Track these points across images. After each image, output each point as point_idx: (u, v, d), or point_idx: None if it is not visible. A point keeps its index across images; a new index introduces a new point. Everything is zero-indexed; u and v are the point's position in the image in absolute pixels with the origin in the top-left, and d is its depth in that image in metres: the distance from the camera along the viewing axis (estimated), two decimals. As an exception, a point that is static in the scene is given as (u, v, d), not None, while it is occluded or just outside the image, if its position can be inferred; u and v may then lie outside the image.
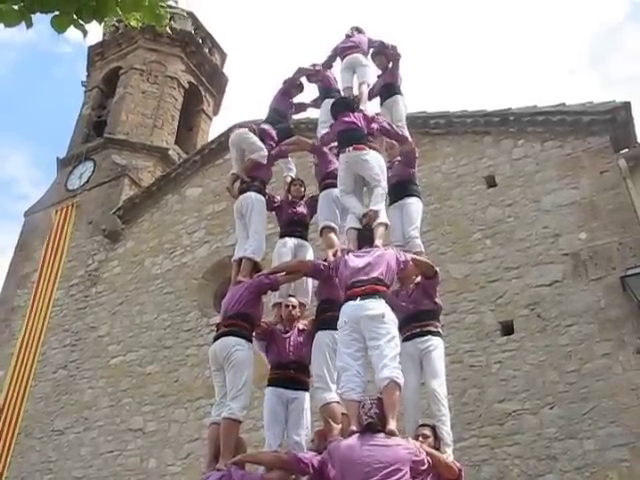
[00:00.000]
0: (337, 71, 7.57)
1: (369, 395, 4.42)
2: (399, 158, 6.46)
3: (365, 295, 4.71)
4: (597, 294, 8.51)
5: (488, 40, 41.65)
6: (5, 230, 48.43)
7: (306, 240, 6.46)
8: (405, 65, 7.30)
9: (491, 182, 10.18)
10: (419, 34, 42.65)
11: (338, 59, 7.53)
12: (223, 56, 19.40)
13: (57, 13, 2.91)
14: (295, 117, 8.52)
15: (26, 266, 14.90)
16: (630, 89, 40.47)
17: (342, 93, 7.14)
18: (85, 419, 11.73)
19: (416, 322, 5.16)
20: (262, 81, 42.78)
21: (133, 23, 3.08)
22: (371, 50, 7.41)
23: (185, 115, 17.52)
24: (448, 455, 4.54)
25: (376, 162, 5.85)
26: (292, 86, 7.63)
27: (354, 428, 4.26)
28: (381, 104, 7.14)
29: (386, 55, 7.27)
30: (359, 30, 7.63)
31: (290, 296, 5.91)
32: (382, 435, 4.13)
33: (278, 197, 6.79)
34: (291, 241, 6.35)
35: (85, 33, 3.01)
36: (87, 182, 15.30)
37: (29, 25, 2.93)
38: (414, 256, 5.33)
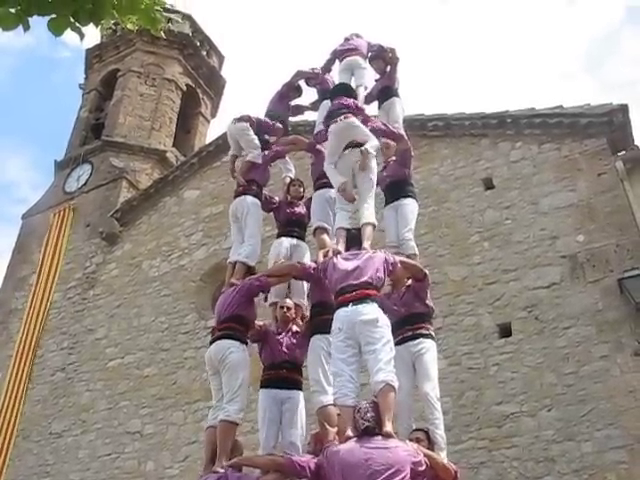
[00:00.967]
0: (336, 74, 7.58)
1: (364, 399, 4.42)
2: (394, 158, 6.42)
3: (357, 300, 4.69)
4: (595, 296, 8.51)
5: (486, 44, 41.76)
6: (4, 233, 48.41)
7: (303, 240, 6.44)
8: (403, 68, 7.32)
9: (489, 184, 10.19)
10: (417, 37, 42.73)
11: (337, 62, 7.52)
12: (221, 58, 19.41)
13: (54, 16, 2.91)
14: (293, 120, 8.52)
15: (24, 269, 14.89)
16: (627, 93, 40.61)
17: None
18: (83, 422, 11.72)
19: (408, 325, 5.14)
20: (260, 84, 42.78)
21: (129, 26, 3.08)
22: (369, 54, 7.41)
23: (183, 118, 17.51)
24: (442, 458, 4.54)
25: (366, 130, 5.84)
26: (290, 89, 7.62)
27: (350, 433, 4.25)
28: (379, 107, 7.15)
29: (384, 59, 7.26)
30: (358, 35, 7.64)
31: (287, 297, 5.92)
32: (380, 437, 4.13)
33: (277, 198, 6.78)
34: (287, 241, 6.33)
35: (82, 36, 3.02)
36: (85, 185, 15.29)
37: (26, 28, 2.93)
38: (403, 259, 5.30)
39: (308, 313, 5.76)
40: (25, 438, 12.21)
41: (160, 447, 10.64)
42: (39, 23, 2.95)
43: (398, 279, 5.33)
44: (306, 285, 6.03)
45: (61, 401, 12.24)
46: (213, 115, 19.06)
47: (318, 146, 6.60)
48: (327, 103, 7.06)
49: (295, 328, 5.56)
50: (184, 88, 17.55)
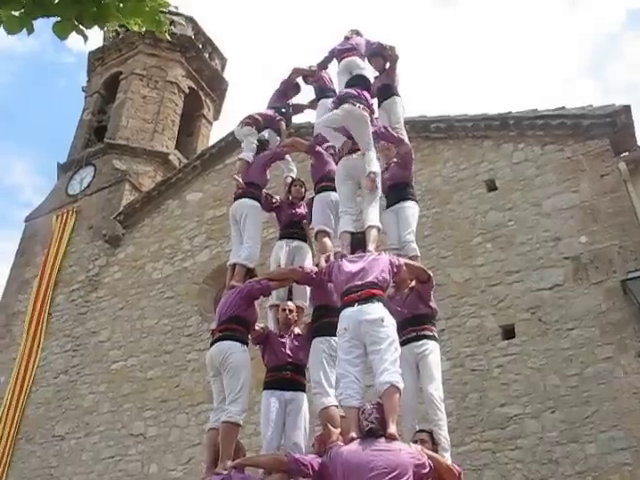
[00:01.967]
0: (333, 72, 7.57)
1: (369, 400, 4.41)
2: (395, 160, 6.39)
3: (362, 300, 4.69)
4: (598, 298, 8.50)
5: (489, 47, 41.76)
6: (9, 237, 48.52)
7: (305, 241, 6.42)
8: (406, 69, 7.36)
9: (491, 186, 10.18)
10: (421, 39, 42.76)
11: (335, 61, 7.49)
12: (223, 61, 19.44)
13: (59, 19, 2.92)
14: (295, 121, 8.53)
15: (27, 271, 14.90)
16: (629, 98, 40.54)
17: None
18: (86, 424, 11.72)
19: (411, 327, 5.13)
20: (262, 86, 42.87)
21: (135, 28, 3.08)
22: (368, 52, 7.38)
23: (185, 120, 17.54)
24: (446, 459, 4.53)
25: (369, 122, 5.99)
26: (289, 87, 7.64)
27: (354, 435, 4.24)
28: (379, 105, 7.12)
29: (383, 56, 7.22)
30: (358, 33, 7.61)
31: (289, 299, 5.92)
32: (383, 440, 4.12)
33: (277, 197, 6.78)
34: (289, 243, 6.32)
35: (86, 38, 3.03)
36: (88, 187, 15.32)
37: (30, 31, 2.94)
38: (407, 261, 5.31)
39: (309, 316, 5.76)
40: (29, 441, 12.22)
41: (163, 449, 10.64)
42: (44, 28, 2.96)
43: (402, 280, 5.33)
44: (308, 288, 6.04)
45: (64, 404, 12.24)
46: (215, 117, 19.10)
47: (318, 148, 6.60)
48: (325, 101, 7.08)
49: (297, 330, 5.56)
50: (186, 91, 17.58)
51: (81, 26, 2.94)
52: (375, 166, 5.84)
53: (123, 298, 12.91)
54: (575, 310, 8.55)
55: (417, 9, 44.10)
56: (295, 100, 7.83)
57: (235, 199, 6.55)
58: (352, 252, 5.29)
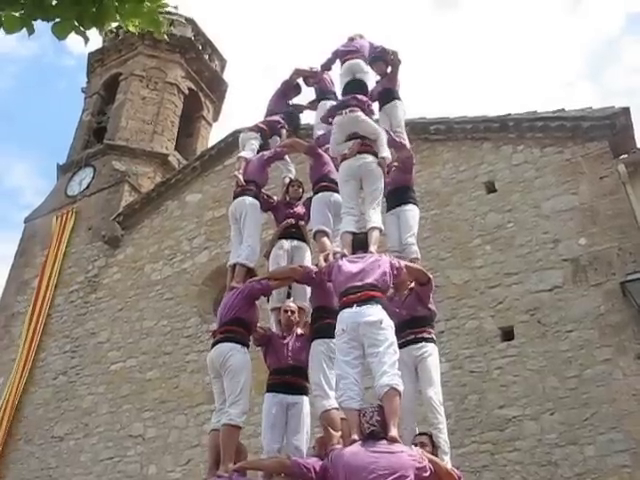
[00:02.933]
0: (336, 74, 7.58)
1: (369, 403, 4.40)
2: (396, 164, 6.43)
3: (361, 302, 4.69)
4: (597, 300, 8.50)
5: (488, 50, 41.77)
6: (9, 239, 48.47)
7: (303, 241, 6.42)
8: (405, 71, 7.34)
9: (491, 188, 10.18)
10: (420, 40, 42.77)
11: (338, 62, 7.51)
12: (223, 62, 19.43)
13: (58, 20, 2.92)
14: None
15: (26, 272, 14.89)
16: (628, 101, 40.47)
17: (340, 97, 7.15)
18: (85, 425, 11.71)
19: (410, 329, 5.14)
20: (262, 87, 42.85)
21: (132, 29, 3.08)
22: (371, 56, 7.40)
23: (185, 121, 17.54)
24: (446, 462, 4.53)
25: (373, 124, 6.03)
26: (289, 88, 7.64)
27: (355, 437, 4.24)
28: (380, 109, 7.14)
29: (385, 61, 7.25)
30: (362, 36, 7.63)
31: (288, 299, 5.91)
32: (385, 442, 4.12)
33: (275, 197, 6.79)
34: (287, 243, 6.31)
35: (86, 39, 3.03)
36: (87, 188, 15.30)
37: (30, 32, 2.94)
38: (407, 263, 5.31)
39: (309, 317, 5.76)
40: (27, 442, 12.21)
41: (162, 451, 10.63)
42: (44, 31, 2.96)
43: (402, 282, 5.33)
44: (308, 288, 6.04)
45: (63, 404, 12.23)
46: (215, 119, 19.09)
47: (318, 149, 6.61)
48: (326, 103, 7.09)
49: (299, 331, 5.56)
50: (186, 92, 17.57)
51: (81, 27, 2.94)
52: (386, 152, 5.94)
53: (122, 299, 12.90)
54: (574, 312, 8.54)
55: (417, 12, 44.15)
56: (295, 101, 7.84)
57: (234, 197, 6.55)
58: (353, 252, 5.29)
